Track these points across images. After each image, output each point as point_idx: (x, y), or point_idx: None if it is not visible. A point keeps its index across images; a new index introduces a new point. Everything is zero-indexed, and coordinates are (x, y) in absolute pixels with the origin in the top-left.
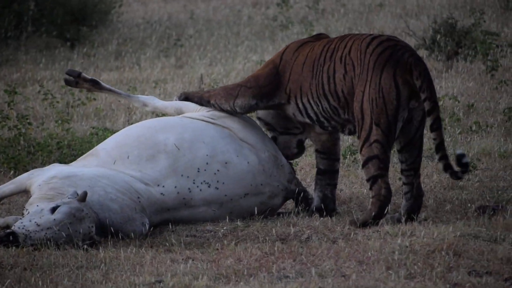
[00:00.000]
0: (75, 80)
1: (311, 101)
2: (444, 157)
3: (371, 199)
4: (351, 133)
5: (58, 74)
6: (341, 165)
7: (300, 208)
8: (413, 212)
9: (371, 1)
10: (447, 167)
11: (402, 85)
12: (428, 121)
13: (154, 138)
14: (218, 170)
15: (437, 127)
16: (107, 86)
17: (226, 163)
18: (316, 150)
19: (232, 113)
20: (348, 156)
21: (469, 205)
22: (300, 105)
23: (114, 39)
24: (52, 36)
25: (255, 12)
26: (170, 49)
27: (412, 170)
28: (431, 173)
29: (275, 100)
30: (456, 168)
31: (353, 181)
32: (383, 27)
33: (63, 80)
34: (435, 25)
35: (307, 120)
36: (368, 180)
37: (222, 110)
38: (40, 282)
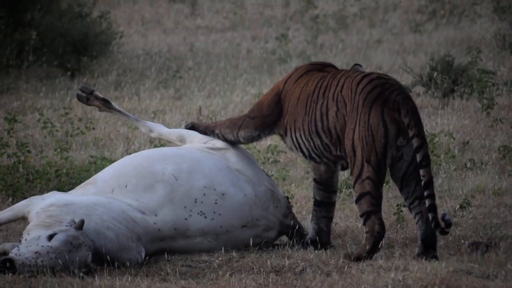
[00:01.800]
0: (87, 96)
1: (303, 137)
2: (431, 196)
3: (365, 235)
4: (343, 168)
5: (58, 103)
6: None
7: (295, 240)
8: (429, 238)
9: (369, 37)
10: (432, 208)
11: (390, 123)
12: (417, 158)
13: (152, 167)
14: (215, 201)
15: (425, 164)
16: (117, 107)
17: (223, 194)
18: (314, 180)
19: (236, 143)
20: (343, 190)
21: (462, 241)
22: (294, 140)
23: (114, 69)
24: (53, 65)
25: (254, 45)
26: (169, 80)
27: (416, 199)
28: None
29: (276, 131)
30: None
31: (348, 215)
32: (380, 63)
33: (62, 109)
34: (432, 62)
35: (301, 155)
36: (361, 216)
37: (226, 140)
38: None
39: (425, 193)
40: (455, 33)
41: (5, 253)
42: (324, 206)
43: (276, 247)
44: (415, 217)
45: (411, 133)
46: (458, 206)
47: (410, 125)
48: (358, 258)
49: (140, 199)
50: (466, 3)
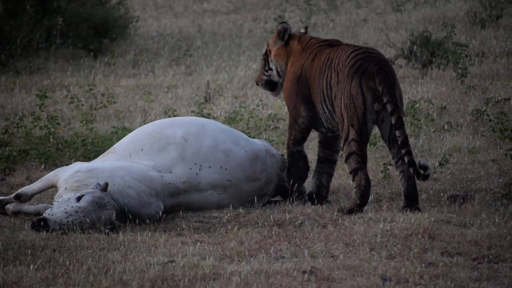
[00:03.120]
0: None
1: (319, 109)
2: (408, 153)
3: (354, 189)
4: None
5: (83, 81)
6: None
7: (294, 197)
8: (410, 193)
9: (356, 17)
10: (411, 163)
11: (367, 91)
12: (392, 121)
13: (164, 132)
14: (220, 158)
15: (399, 126)
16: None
17: (227, 151)
18: (319, 141)
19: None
20: None
21: (442, 194)
22: (319, 112)
23: (132, 50)
24: (77, 47)
25: (255, 26)
26: (180, 58)
27: (400, 159)
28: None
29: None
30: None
31: (340, 174)
32: (366, 39)
33: (87, 86)
34: (412, 38)
35: (323, 130)
36: (350, 173)
37: (300, 140)
38: (67, 262)
39: (403, 151)
40: (432, 11)
41: (39, 213)
42: (327, 163)
43: (277, 203)
44: (399, 175)
45: (385, 99)
46: (437, 164)
47: (384, 92)
48: (350, 211)
49: (156, 159)
50: None
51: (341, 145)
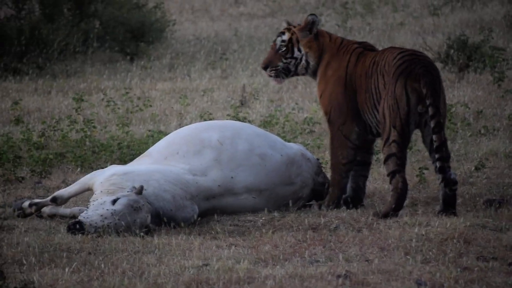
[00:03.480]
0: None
1: (368, 114)
2: (441, 159)
3: (390, 192)
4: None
5: (119, 84)
6: None
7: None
8: (449, 198)
9: (393, 21)
10: (442, 170)
11: (411, 92)
12: (431, 125)
13: (200, 136)
14: (256, 162)
15: (437, 131)
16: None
17: (262, 155)
18: (355, 145)
19: (355, 151)
20: None
21: (477, 199)
22: (366, 120)
23: (168, 53)
24: (114, 51)
25: None
26: (216, 62)
27: (444, 163)
28: None
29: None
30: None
31: (376, 178)
32: (403, 43)
33: (123, 89)
34: (449, 41)
35: (370, 136)
36: (388, 175)
37: (351, 159)
38: (102, 265)
39: (436, 156)
40: (469, 15)
41: (74, 216)
42: (364, 165)
43: (312, 207)
44: (438, 178)
45: (427, 102)
46: (473, 168)
47: (427, 95)
48: (385, 215)
49: (191, 163)
50: None
51: (382, 146)
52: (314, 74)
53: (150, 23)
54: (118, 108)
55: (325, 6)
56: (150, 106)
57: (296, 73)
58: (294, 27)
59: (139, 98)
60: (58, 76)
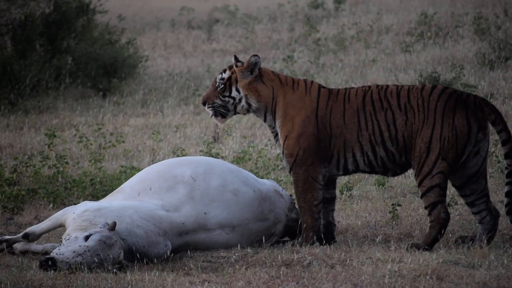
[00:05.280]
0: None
1: (359, 153)
2: (510, 183)
3: (430, 223)
4: (394, 175)
5: (91, 120)
6: (338, 200)
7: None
8: (493, 232)
9: (365, 57)
10: (509, 194)
11: (473, 122)
12: (504, 150)
13: (173, 172)
14: (229, 197)
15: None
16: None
17: (235, 191)
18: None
19: (320, 190)
20: (344, 192)
21: (450, 235)
22: (347, 158)
23: (141, 89)
24: (87, 87)
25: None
26: (189, 98)
27: (484, 197)
28: (417, 207)
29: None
30: None
31: (349, 214)
32: (375, 79)
33: (96, 125)
34: (421, 78)
35: (340, 172)
36: (427, 207)
37: (316, 202)
38: None
39: (507, 180)
40: (441, 52)
41: (47, 252)
42: (331, 200)
43: (286, 243)
44: (478, 213)
45: (497, 128)
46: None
47: (497, 121)
48: (431, 244)
49: (164, 198)
50: (450, 25)
51: (419, 179)
52: (262, 115)
53: (122, 59)
54: (91, 144)
55: (297, 42)
56: (123, 142)
57: (236, 112)
58: (242, 65)
59: (111, 134)
60: (30, 112)
